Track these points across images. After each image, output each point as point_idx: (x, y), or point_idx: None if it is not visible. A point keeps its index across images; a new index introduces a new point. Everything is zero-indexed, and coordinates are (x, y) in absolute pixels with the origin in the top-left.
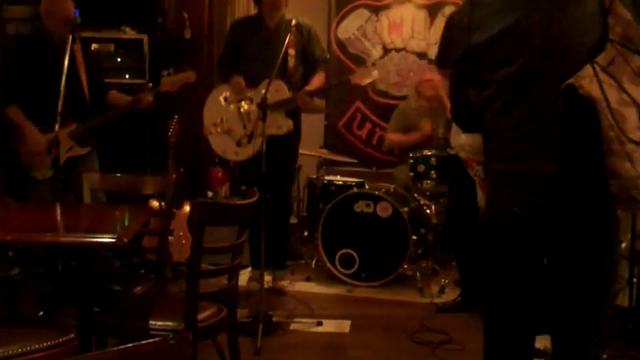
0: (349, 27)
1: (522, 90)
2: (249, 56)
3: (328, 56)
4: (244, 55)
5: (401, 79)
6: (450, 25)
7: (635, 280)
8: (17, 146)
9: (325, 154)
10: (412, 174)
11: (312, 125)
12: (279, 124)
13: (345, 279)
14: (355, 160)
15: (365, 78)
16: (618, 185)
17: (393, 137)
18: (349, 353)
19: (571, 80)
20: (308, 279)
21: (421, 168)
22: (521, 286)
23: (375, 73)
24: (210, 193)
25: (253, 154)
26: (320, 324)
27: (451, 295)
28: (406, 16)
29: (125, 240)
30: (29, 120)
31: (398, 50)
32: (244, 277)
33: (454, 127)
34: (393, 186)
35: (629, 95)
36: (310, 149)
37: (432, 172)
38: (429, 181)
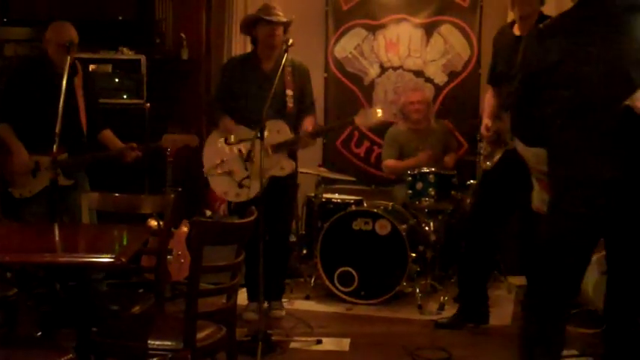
0: (346, 46)
1: (583, 108)
2: (244, 96)
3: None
4: (239, 94)
5: (398, 97)
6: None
7: None
8: (1, 162)
9: (323, 172)
10: (410, 191)
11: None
12: (282, 166)
13: (344, 297)
14: (353, 178)
15: (369, 119)
16: None
17: (391, 164)
18: None
19: (627, 102)
20: (307, 297)
21: (419, 185)
22: (575, 275)
23: (379, 112)
24: (208, 212)
25: (255, 195)
26: (319, 342)
27: (450, 312)
28: (403, 35)
29: (123, 259)
30: (21, 141)
31: (395, 68)
32: (242, 295)
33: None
34: (391, 203)
35: None
36: (308, 167)
37: (430, 189)
38: (427, 199)
